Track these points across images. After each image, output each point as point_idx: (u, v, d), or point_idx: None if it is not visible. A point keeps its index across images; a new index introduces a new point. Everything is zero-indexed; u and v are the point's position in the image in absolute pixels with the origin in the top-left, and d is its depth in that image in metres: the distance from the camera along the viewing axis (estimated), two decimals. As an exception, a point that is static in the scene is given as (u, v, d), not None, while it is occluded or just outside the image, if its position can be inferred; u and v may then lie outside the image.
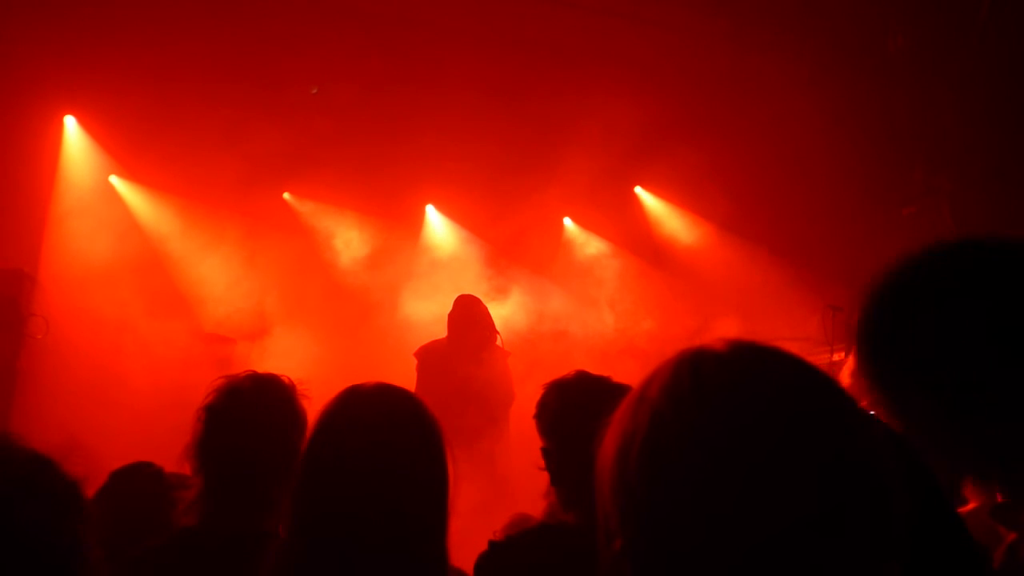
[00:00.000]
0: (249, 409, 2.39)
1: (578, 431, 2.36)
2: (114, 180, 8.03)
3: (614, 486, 1.09)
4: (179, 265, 8.02)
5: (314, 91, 7.89)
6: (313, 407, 2.22)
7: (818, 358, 7.45)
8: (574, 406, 2.47)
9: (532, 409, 2.86)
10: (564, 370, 2.78)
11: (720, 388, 1.04)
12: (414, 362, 6.77)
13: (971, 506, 4.27)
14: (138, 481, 3.05)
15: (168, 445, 3.94)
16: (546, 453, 2.52)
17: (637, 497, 1.04)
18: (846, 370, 7.14)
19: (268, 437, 1.92)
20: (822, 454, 1.00)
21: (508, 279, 8.34)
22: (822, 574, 0.97)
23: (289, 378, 2.50)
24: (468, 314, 6.82)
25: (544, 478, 4.41)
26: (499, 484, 5.59)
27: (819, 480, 0.98)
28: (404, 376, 6.58)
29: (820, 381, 1.06)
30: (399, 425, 1.95)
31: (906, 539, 1.01)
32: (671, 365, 1.09)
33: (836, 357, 6.81)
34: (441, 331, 6.90)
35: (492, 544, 2.32)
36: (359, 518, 1.84)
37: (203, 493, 2.36)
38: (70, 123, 7.79)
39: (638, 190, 9.41)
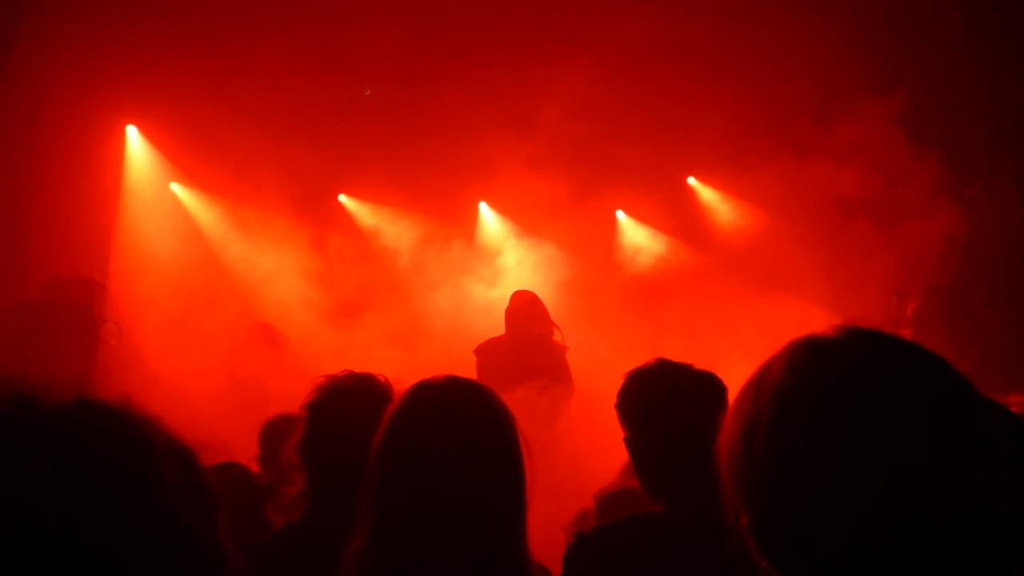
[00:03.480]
0: (351, 407, 2.42)
1: (661, 419, 2.42)
2: (175, 187, 8.26)
3: (740, 466, 1.15)
4: (239, 267, 8.18)
5: (367, 93, 8.02)
6: None
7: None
8: (656, 394, 2.46)
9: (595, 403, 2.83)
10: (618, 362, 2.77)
11: (840, 368, 1.11)
12: (474, 360, 6.84)
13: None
14: (226, 479, 3.15)
15: (241, 444, 4.09)
16: (629, 443, 2.50)
17: (765, 475, 1.11)
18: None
19: (366, 431, 1.93)
20: (943, 426, 1.06)
21: (562, 272, 8.38)
22: (947, 548, 1.02)
23: (385, 377, 2.54)
24: (525, 309, 6.89)
25: (610, 466, 4.46)
26: (566, 476, 5.65)
27: (944, 451, 1.04)
28: (464, 374, 6.64)
29: (932, 362, 1.12)
30: (473, 418, 1.93)
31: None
32: (789, 351, 1.16)
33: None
34: (499, 328, 6.98)
35: (580, 535, 2.33)
36: (437, 514, 1.81)
37: (307, 489, 2.41)
38: (132, 132, 8.03)
39: (691, 180, 9.42)
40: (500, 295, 7.70)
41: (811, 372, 1.11)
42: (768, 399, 1.12)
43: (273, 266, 8.04)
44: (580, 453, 6.11)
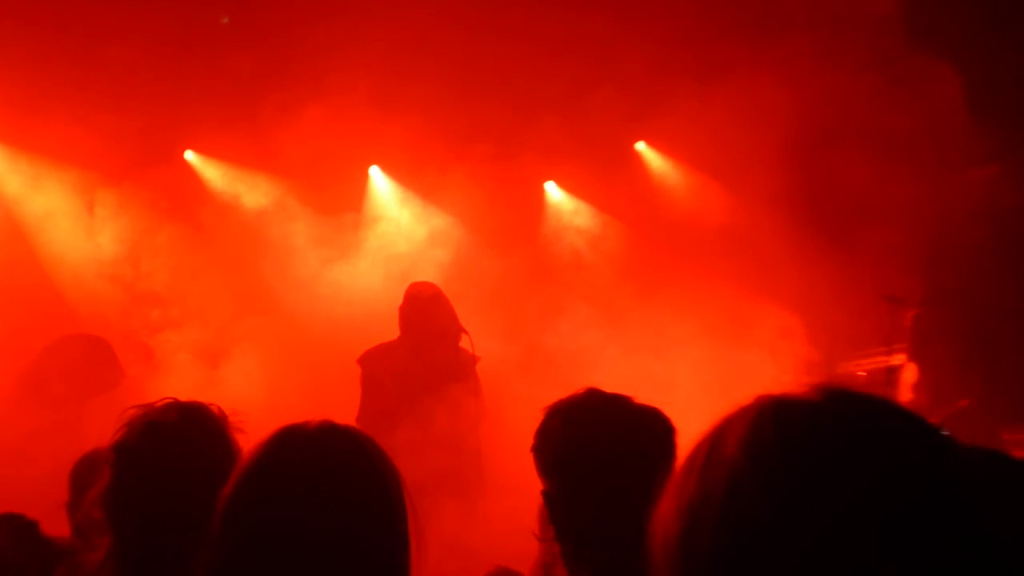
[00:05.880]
0: (172, 447, 2.39)
1: (590, 468, 2.38)
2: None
3: (677, 566, 1.11)
4: (63, 241, 8.06)
5: (224, 21, 7.87)
6: (249, 442, 2.17)
7: (873, 361, 7.52)
8: (585, 437, 2.42)
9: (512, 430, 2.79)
10: (547, 381, 2.74)
11: (813, 454, 1.07)
12: (356, 371, 6.74)
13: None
14: (8, 535, 3.05)
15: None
16: (548, 497, 2.45)
17: None
18: (907, 379, 7.29)
19: (195, 482, 1.97)
20: (938, 535, 1.03)
21: (474, 259, 8.34)
22: None
23: (220, 408, 2.49)
24: (424, 308, 6.78)
25: (528, 520, 4.44)
26: (469, 528, 5.63)
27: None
28: (342, 385, 6.61)
29: (936, 448, 1.09)
30: (351, 481, 1.91)
31: None
32: (750, 417, 1.12)
33: (895, 361, 6.85)
34: (390, 329, 6.88)
35: None
36: None
37: (114, 552, 2.35)
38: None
39: (640, 146, 9.44)
40: (386, 285, 7.66)
41: (776, 456, 1.07)
42: (720, 483, 1.09)
43: (102, 239, 7.94)
44: (494, 492, 6.11)
